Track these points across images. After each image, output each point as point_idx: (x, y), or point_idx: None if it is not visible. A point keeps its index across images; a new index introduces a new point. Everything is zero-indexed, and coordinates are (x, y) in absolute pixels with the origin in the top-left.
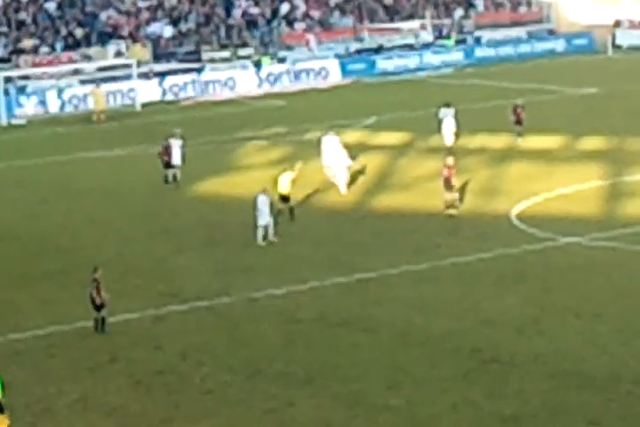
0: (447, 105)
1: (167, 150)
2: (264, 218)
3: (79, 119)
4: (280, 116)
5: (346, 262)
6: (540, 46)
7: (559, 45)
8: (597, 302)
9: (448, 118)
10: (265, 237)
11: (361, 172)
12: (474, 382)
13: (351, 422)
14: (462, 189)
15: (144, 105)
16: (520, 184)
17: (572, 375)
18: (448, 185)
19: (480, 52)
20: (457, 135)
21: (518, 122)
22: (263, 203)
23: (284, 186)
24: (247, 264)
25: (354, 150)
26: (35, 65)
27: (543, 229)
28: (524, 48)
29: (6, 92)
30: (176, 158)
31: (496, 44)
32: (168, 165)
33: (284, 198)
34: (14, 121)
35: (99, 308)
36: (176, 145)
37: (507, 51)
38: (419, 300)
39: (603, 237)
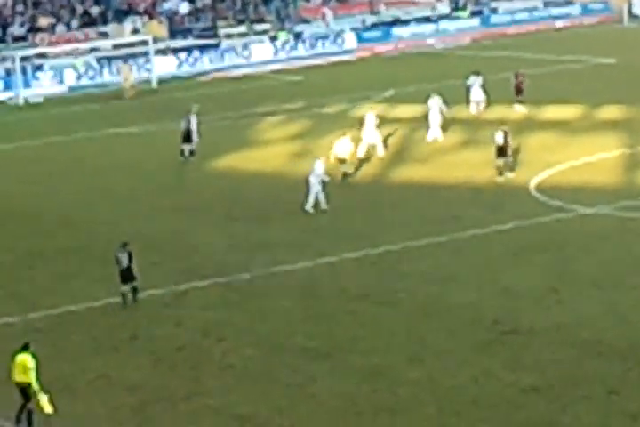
0: (476, 73)
1: (187, 125)
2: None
3: (95, 97)
4: (298, 90)
5: (365, 235)
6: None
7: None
8: (617, 271)
9: (475, 87)
10: (315, 204)
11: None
12: (493, 353)
13: (372, 396)
14: (482, 161)
15: (161, 81)
16: (538, 155)
17: (591, 345)
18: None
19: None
20: (486, 103)
21: (518, 90)
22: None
23: (343, 150)
24: (266, 239)
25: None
26: (51, 43)
27: (562, 199)
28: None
29: (23, 71)
30: (193, 134)
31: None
32: (186, 139)
33: (343, 161)
34: (32, 99)
35: (131, 279)
36: (194, 121)
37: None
38: (438, 272)
39: (621, 206)
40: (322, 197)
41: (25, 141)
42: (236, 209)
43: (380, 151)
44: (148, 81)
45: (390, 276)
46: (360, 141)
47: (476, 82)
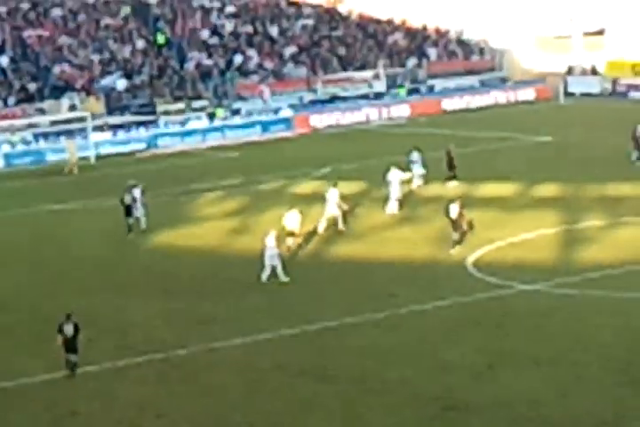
0: (417, 149)
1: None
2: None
3: (31, 173)
4: (235, 166)
5: (302, 312)
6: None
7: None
8: (555, 348)
9: (418, 163)
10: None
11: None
12: None
13: None
14: (419, 237)
15: (98, 157)
16: (476, 232)
17: (531, 421)
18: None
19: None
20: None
21: (450, 166)
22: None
23: (292, 223)
24: (204, 315)
25: (310, 200)
26: None
27: (499, 276)
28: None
29: None
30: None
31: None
32: (128, 213)
33: (292, 234)
34: None
35: (74, 351)
36: (137, 194)
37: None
38: (376, 348)
39: (559, 283)
40: (280, 270)
41: None
42: (174, 285)
43: (341, 226)
44: (85, 157)
45: (328, 352)
46: (320, 216)
47: (418, 157)
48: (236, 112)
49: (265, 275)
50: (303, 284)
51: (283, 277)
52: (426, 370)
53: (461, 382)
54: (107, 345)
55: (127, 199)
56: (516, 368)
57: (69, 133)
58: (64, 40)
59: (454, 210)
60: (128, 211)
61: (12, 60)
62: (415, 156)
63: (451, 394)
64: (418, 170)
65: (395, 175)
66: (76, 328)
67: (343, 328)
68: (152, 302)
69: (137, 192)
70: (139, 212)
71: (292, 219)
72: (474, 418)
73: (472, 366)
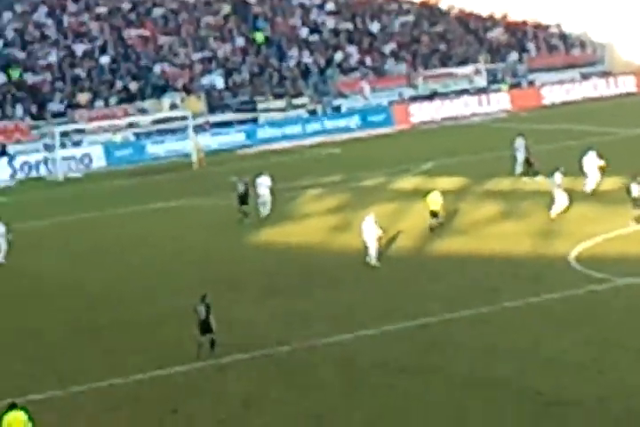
0: (521, 135)
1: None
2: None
3: (133, 171)
4: (336, 163)
5: (405, 307)
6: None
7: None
8: None
9: (521, 150)
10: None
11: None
12: (538, 424)
13: None
14: (521, 232)
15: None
16: (579, 226)
17: (638, 417)
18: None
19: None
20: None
21: (528, 163)
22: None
23: (434, 204)
24: (306, 312)
25: (411, 196)
26: (90, 119)
27: (602, 270)
28: None
29: (63, 146)
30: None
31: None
32: (243, 202)
33: (434, 214)
34: (70, 174)
35: (209, 331)
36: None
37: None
38: (478, 343)
39: None
40: (373, 252)
41: (66, 217)
42: (275, 282)
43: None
44: (187, 155)
45: (430, 348)
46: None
47: (522, 144)
48: (337, 109)
49: (373, 258)
50: (404, 279)
51: (373, 261)
52: (529, 365)
53: (565, 377)
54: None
55: (240, 189)
56: (621, 363)
57: (172, 133)
58: (164, 39)
59: (635, 188)
60: (242, 200)
61: (114, 59)
62: (519, 142)
63: (555, 389)
64: (521, 157)
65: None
66: (208, 309)
67: (445, 324)
68: (254, 299)
69: (266, 180)
70: (263, 198)
71: (434, 199)
72: (577, 413)
73: (576, 361)
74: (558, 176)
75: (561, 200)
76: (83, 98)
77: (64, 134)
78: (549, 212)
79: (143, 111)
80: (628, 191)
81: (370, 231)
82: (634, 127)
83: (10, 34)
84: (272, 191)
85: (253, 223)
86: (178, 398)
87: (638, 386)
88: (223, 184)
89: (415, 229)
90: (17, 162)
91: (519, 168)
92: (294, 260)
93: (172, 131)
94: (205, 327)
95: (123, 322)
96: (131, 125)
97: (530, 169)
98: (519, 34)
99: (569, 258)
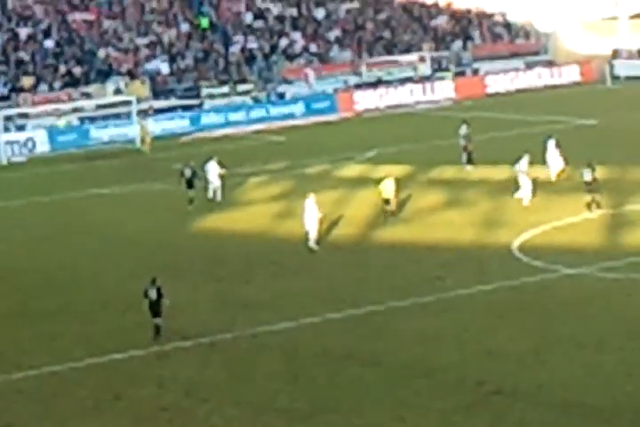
0: (465, 122)
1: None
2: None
3: (78, 156)
4: (280, 150)
5: (348, 296)
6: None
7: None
8: (600, 332)
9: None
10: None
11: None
12: (478, 414)
13: None
14: (466, 221)
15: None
16: (521, 216)
17: (575, 406)
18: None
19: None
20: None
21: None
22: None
23: (388, 192)
24: (249, 299)
25: (355, 184)
26: (34, 103)
27: (545, 260)
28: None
29: (6, 130)
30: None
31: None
32: (189, 186)
33: (387, 202)
34: (14, 159)
35: (159, 314)
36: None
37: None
38: (421, 332)
39: (605, 267)
40: (312, 236)
41: (9, 201)
42: (220, 269)
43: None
44: (131, 140)
45: (373, 336)
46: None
47: (465, 130)
48: (282, 96)
49: (312, 242)
50: (349, 267)
51: (312, 244)
52: (471, 355)
53: (507, 366)
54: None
55: (187, 173)
56: (562, 353)
57: (115, 118)
58: (109, 24)
59: (587, 174)
60: (189, 184)
61: (58, 44)
62: (464, 129)
63: (496, 379)
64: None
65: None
66: (159, 292)
67: (389, 312)
68: (198, 286)
69: (213, 165)
70: (214, 184)
71: (387, 187)
72: (518, 403)
73: (517, 351)
74: (524, 162)
75: (527, 186)
76: (26, 82)
77: (7, 118)
78: (517, 198)
79: (87, 96)
80: (582, 177)
81: (310, 213)
82: (577, 117)
83: None
84: (221, 177)
85: (198, 209)
86: (120, 386)
87: (576, 375)
88: (167, 170)
89: (359, 216)
90: None
91: (465, 156)
92: (238, 247)
93: (117, 116)
94: (156, 310)
95: (65, 308)
96: (75, 110)
97: (467, 157)
98: (464, 22)
99: (512, 248)
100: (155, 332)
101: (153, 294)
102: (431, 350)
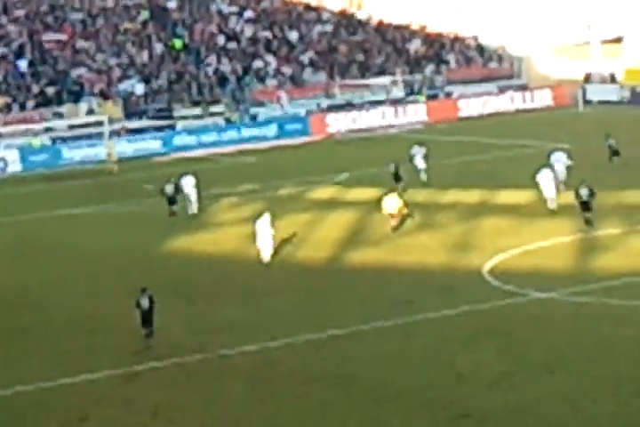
0: (419, 144)
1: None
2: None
3: (50, 176)
4: (252, 172)
5: (318, 318)
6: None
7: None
8: (570, 357)
9: (418, 157)
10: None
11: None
12: None
13: None
14: (436, 244)
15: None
16: (491, 239)
17: None
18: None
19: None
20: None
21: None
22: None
23: (390, 207)
24: (219, 321)
25: (326, 206)
26: (6, 123)
27: (515, 284)
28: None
29: None
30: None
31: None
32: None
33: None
34: None
35: (150, 323)
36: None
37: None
38: (391, 355)
39: (575, 291)
40: (267, 250)
41: None
42: (191, 290)
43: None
44: (102, 161)
45: (342, 359)
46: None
47: (418, 152)
48: (254, 117)
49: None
50: (318, 290)
51: (266, 259)
52: (440, 377)
53: (476, 389)
54: (123, 349)
55: (169, 190)
56: (531, 377)
57: (87, 138)
58: (82, 44)
59: (584, 191)
60: (171, 201)
61: (31, 63)
62: (415, 149)
63: (465, 402)
64: (420, 164)
65: (417, 150)
66: (151, 301)
67: (358, 335)
68: (170, 307)
69: (190, 180)
70: (192, 198)
71: (390, 202)
72: (487, 426)
73: (487, 374)
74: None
75: (550, 192)
76: None
77: None
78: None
79: (60, 116)
80: (577, 196)
81: (264, 230)
82: (549, 141)
83: None
84: (198, 190)
85: (176, 226)
86: (87, 407)
87: (546, 399)
88: (138, 191)
89: (330, 238)
90: None
91: (424, 176)
92: (209, 268)
93: (89, 136)
94: (147, 318)
95: (32, 328)
96: (47, 130)
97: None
98: (437, 46)
99: (482, 271)
100: (145, 336)
101: (145, 302)
102: (400, 372)
